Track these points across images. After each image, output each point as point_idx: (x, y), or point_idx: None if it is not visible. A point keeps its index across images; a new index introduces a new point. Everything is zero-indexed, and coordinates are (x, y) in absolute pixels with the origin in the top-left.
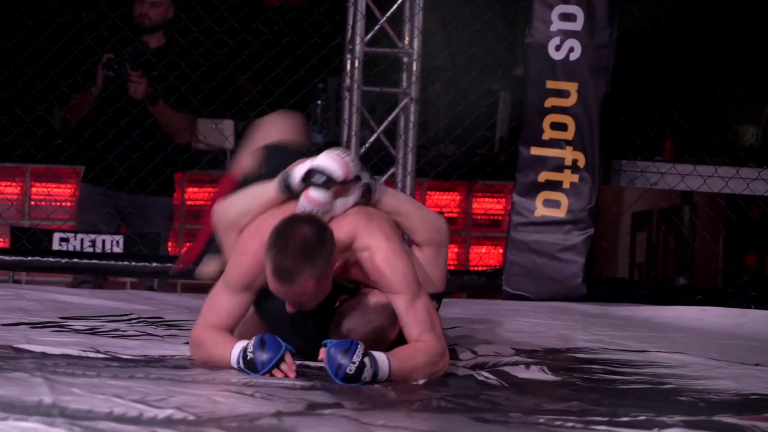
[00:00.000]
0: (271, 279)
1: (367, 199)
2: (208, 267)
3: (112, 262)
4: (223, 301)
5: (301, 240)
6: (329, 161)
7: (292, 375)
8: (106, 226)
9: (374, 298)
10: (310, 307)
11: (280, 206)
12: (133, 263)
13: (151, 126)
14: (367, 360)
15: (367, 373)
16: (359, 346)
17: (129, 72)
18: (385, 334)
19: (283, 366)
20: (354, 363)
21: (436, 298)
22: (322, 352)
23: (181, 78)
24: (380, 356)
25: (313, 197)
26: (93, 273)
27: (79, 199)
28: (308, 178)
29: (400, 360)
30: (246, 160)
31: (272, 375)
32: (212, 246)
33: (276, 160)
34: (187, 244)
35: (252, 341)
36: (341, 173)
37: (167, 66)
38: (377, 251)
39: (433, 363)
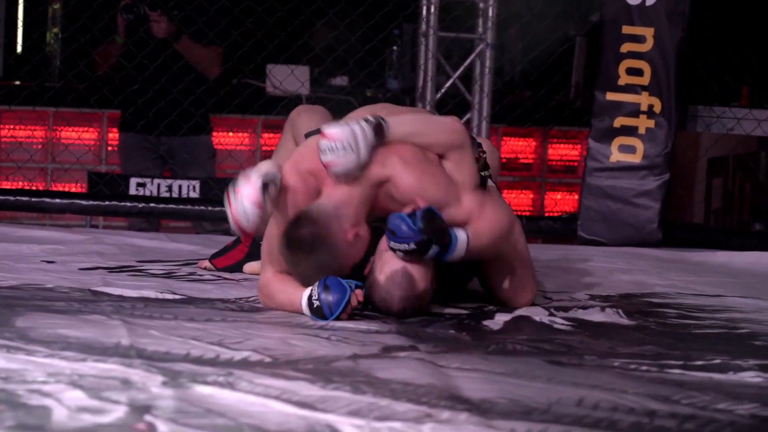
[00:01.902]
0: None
1: (381, 137)
2: (253, 265)
3: (189, 207)
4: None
5: (309, 244)
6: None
7: (355, 303)
8: (152, 171)
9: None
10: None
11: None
12: (209, 208)
13: (182, 66)
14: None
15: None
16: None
17: (148, 12)
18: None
19: (349, 309)
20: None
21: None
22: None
23: (200, 11)
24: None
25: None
26: (170, 217)
27: (120, 148)
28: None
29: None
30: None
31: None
32: (255, 252)
33: None
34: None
35: (316, 286)
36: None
37: (186, 2)
38: (398, 178)
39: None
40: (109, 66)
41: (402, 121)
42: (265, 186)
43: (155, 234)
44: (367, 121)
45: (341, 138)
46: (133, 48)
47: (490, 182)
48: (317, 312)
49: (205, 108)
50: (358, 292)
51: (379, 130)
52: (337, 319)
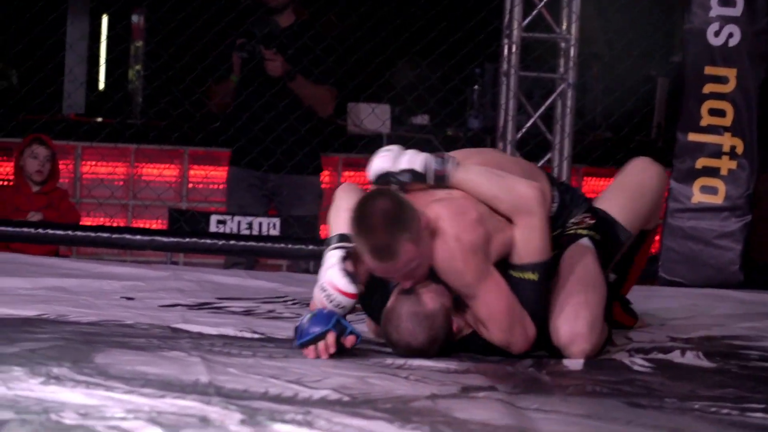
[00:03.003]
0: (371, 262)
1: (440, 175)
2: None
3: (269, 245)
4: None
5: (382, 213)
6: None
7: (324, 356)
8: (257, 208)
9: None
10: (422, 276)
11: None
12: (289, 246)
13: (293, 104)
14: None
15: None
16: None
17: (263, 51)
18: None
19: (321, 344)
20: None
21: (538, 268)
22: None
23: (315, 53)
24: None
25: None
26: (249, 255)
27: (228, 182)
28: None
29: None
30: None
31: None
32: None
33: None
34: None
35: (308, 314)
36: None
37: (299, 42)
38: (440, 240)
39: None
40: (225, 103)
41: (472, 169)
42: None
43: (235, 271)
44: (434, 154)
45: (393, 148)
46: (248, 86)
47: (587, 242)
48: (294, 332)
49: (309, 146)
50: (350, 338)
51: (442, 164)
52: (305, 347)
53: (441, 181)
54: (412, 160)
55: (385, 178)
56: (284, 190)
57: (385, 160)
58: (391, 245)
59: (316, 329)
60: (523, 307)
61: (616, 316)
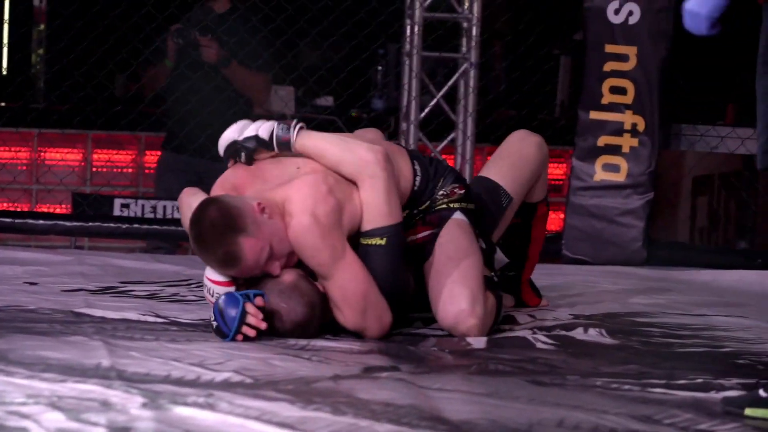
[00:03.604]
0: (226, 272)
1: (284, 142)
2: None
3: (173, 228)
4: None
5: (211, 225)
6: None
7: (263, 326)
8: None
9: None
10: (283, 257)
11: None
12: None
13: (223, 90)
14: None
15: None
16: None
17: (198, 37)
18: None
19: (250, 319)
20: None
21: (385, 232)
22: None
23: (248, 40)
24: None
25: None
26: (153, 239)
27: (158, 167)
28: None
29: None
30: None
31: (244, 334)
32: None
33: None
34: None
35: (214, 312)
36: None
37: (234, 29)
38: (294, 220)
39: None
40: (158, 87)
41: (314, 135)
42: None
43: (139, 255)
44: (281, 121)
45: (243, 121)
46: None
47: (459, 216)
48: (218, 333)
49: None
50: (258, 299)
51: (287, 131)
52: (239, 332)
53: (285, 147)
54: (258, 128)
55: (233, 147)
56: (213, 174)
57: (232, 131)
58: (229, 251)
59: (233, 313)
60: (373, 273)
61: (524, 296)
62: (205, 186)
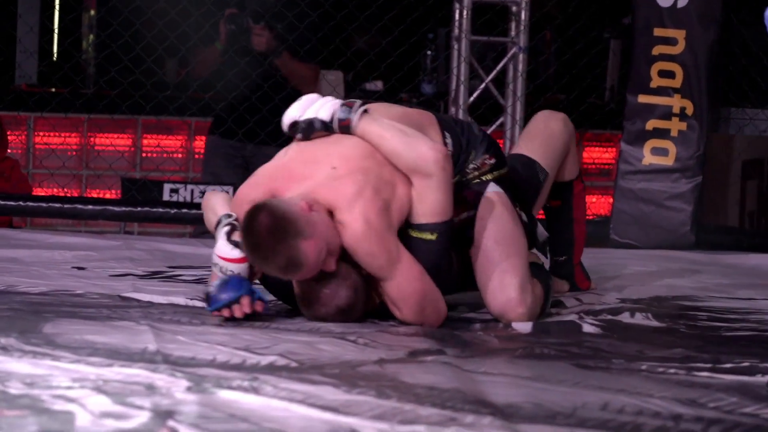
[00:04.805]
0: (287, 278)
1: (344, 125)
2: None
3: None
4: None
5: (267, 231)
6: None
7: (239, 314)
8: (232, 177)
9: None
10: (336, 250)
11: None
12: None
13: (271, 76)
14: None
15: None
16: None
17: (251, 24)
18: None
19: (235, 306)
20: None
21: (436, 228)
22: None
23: (299, 28)
24: None
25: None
26: (202, 224)
27: (205, 151)
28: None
29: None
30: None
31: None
32: None
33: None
34: None
35: (217, 282)
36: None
37: (285, 17)
38: (348, 229)
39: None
40: (208, 70)
41: (378, 122)
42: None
43: (187, 240)
44: (344, 102)
45: (310, 96)
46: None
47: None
48: (206, 299)
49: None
50: (258, 304)
51: (348, 113)
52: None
53: (345, 130)
54: (320, 108)
55: (294, 126)
56: (260, 159)
57: (295, 108)
58: (291, 257)
59: (230, 294)
60: (422, 263)
61: (576, 279)
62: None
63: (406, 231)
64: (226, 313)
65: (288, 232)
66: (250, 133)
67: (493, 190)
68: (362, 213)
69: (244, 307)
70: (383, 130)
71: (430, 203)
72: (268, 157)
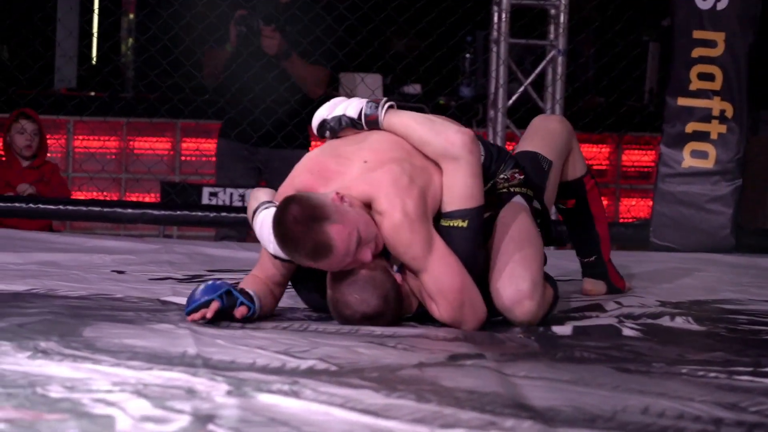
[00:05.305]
0: (319, 266)
1: (371, 120)
2: None
3: None
4: None
5: (294, 220)
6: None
7: (197, 317)
8: (246, 180)
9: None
10: (371, 242)
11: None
12: None
13: (284, 79)
14: None
15: None
16: None
17: (261, 27)
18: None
19: (203, 310)
20: None
21: (467, 214)
22: None
23: (311, 32)
24: None
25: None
26: (241, 227)
27: (217, 155)
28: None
29: None
30: None
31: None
32: None
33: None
34: None
35: (201, 285)
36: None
37: (299, 20)
38: (386, 218)
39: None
40: (216, 71)
41: (403, 113)
42: None
43: (226, 243)
44: (370, 98)
45: (337, 99)
46: (242, 59)
47: (519, 200)
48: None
49: (298, 119)
50: (239, 309)
51: (375, 109)
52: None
53: (373, 125)
54: (347, 107)
55: (323, 126)
56: (273, 163)
57: (323, 109)
58: (319, 241)
59: (204, 298)
60: (457, 254)
61: (612, 278)
62: (265, 174)
63: (437, 223)
64: (196, 317)
65: (315, 217)
66: (264, 136)
67: (517, 200)
68: (400, 202)
69: (208, 312)
70: (410, 120)
71: (459, 188)
72: (282, 160)
